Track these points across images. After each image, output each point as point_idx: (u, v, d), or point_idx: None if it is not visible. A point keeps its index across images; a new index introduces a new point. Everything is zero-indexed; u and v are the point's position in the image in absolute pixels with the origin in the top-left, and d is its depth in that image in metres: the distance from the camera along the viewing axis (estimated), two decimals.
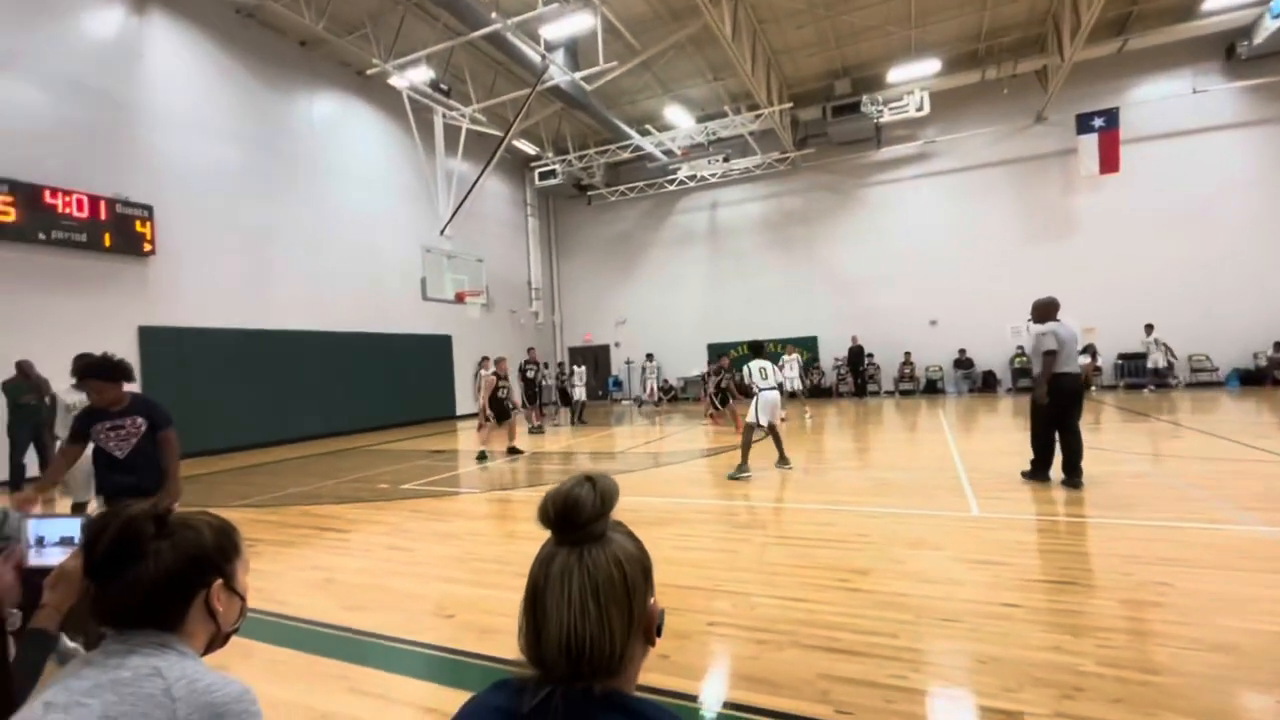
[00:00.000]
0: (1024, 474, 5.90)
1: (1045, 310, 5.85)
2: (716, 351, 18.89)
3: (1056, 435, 5.67)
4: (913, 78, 15.87)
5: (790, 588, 3.56)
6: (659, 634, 0.82)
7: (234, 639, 1.11)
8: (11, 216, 8.81)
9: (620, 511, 0.82)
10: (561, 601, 0.74)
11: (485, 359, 10.62)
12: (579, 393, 15.15)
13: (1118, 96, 15.38)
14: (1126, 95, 15.46)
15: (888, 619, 3.07)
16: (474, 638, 3.11)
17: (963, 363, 16.85)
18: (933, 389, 17.16)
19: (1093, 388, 14.67)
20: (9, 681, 1.03)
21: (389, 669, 2.85)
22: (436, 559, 4.59)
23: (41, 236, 9.14)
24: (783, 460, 7.22)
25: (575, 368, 15.95)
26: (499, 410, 9.72)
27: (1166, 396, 13.26)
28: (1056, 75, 14.27)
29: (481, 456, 9.19)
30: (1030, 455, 5.89)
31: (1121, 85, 15.53)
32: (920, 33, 14.85)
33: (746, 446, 7.04)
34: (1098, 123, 14.91)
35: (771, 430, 7.17)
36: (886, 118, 16.27)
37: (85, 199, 9.64)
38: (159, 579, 0.95)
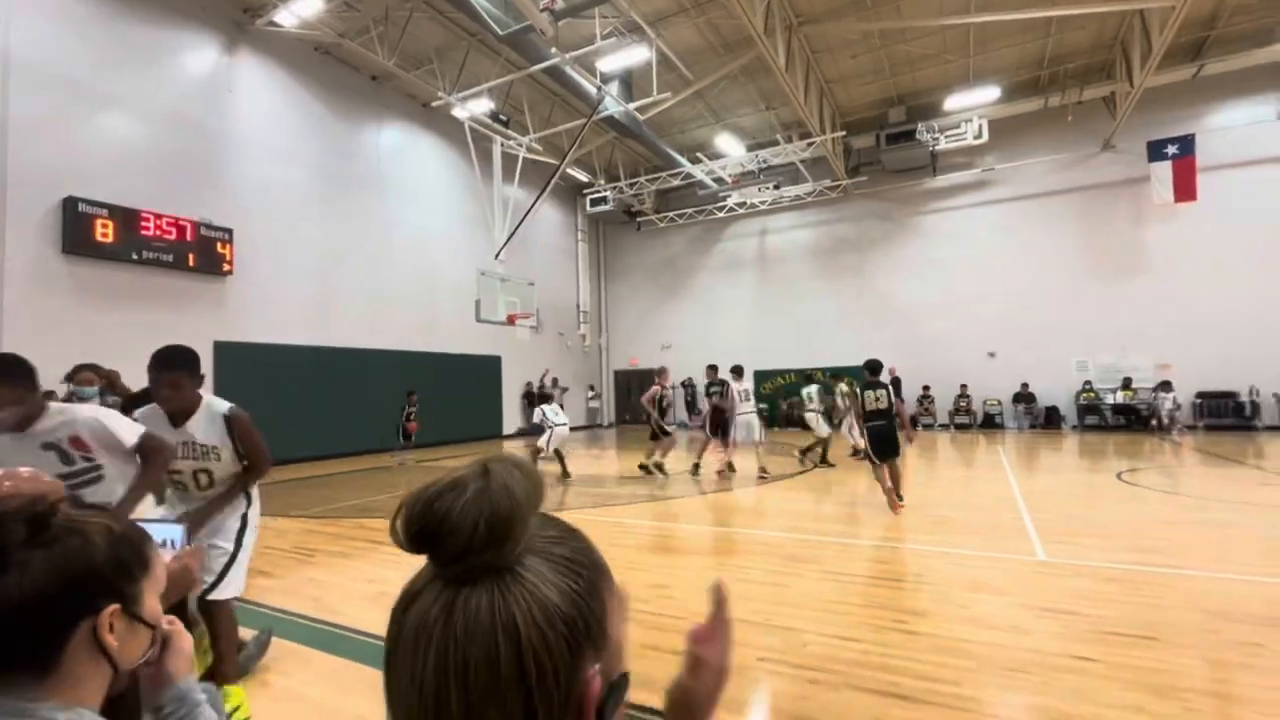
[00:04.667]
0: None
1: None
2: (762, 378, 18.69)
3: None
4: (971, 105, 15.61)
5: (844, 626, 3.45)
6: (607, 714, 0.46)
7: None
8: (110, 238, 9.57)
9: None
10: (407, 682, 0.44)
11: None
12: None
13: (1193, 123, 14.69)
14: (1203, 121, 14.75)
15: (949, 665, 2.93)
16: None
17: (1024, 397, 16.13)
18: (991, 423, 16.46)
19: (1175, 430, 13.77)
20: None
21: None
22: None
23: (134, 256, 9.88)
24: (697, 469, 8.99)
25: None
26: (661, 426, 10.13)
27: (1253, 440, 12.34)
28: (1126, 102, 13.76)
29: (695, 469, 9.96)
30: None
31: (1197, 111, 14.83)
32: (979, 60, 14.61)
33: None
34: (1171, 150, 14.24)
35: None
36: (943, 145, 16.00)
37: (175, 222, 10.40)
38: (23, 600, 0.70)
